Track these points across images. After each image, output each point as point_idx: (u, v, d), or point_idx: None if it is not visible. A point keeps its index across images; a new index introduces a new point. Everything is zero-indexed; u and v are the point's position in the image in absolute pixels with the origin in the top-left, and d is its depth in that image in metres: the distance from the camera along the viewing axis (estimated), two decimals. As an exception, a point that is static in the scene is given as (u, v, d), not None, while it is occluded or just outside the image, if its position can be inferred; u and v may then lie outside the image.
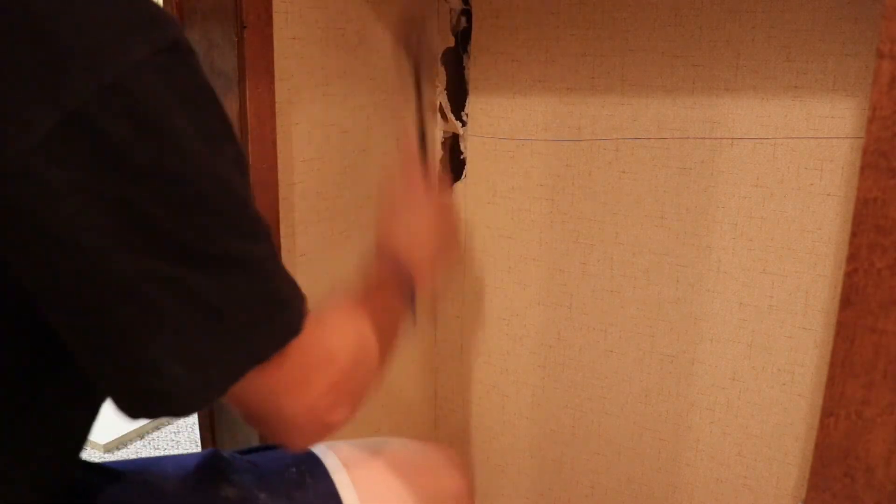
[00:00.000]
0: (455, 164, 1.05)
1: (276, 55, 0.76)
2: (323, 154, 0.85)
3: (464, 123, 1.03)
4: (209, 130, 0.36)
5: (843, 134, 0.77)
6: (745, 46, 0.81)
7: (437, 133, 1.05)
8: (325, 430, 0.47)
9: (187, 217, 0.35)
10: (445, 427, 1.16)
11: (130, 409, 0.38)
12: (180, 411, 0.38)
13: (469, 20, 0.99)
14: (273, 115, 0.77)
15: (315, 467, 0.60)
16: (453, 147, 1.05)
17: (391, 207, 0.71)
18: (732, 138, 0.83)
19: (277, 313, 0.41)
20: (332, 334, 0.48)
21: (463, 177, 1.05)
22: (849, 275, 0.62)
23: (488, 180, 1.02)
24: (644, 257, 0.92)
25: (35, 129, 0.31)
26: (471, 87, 1.01)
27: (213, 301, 0.37)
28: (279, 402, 0.43)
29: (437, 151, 0.79)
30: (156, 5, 0.36)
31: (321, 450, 0.63)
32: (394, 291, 0.62)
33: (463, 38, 1.00)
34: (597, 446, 1.02)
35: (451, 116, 1.03)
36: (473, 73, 1.00)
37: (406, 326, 0.62)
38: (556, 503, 1.08)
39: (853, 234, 0.61)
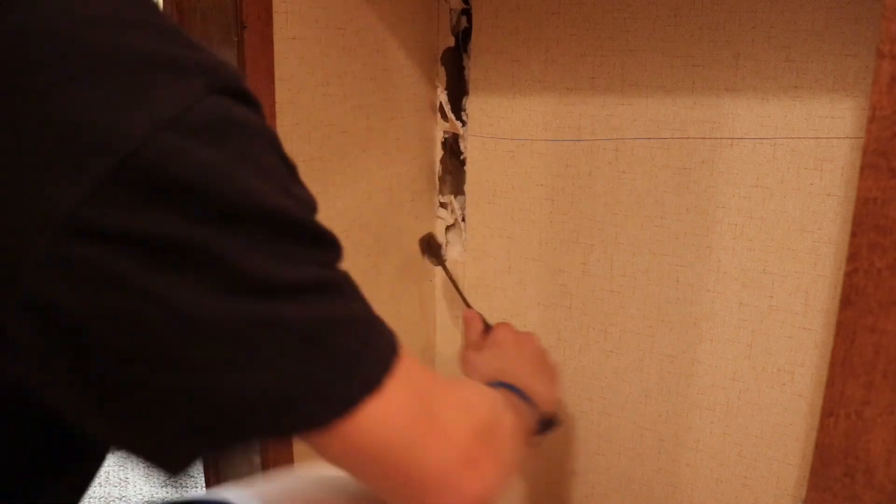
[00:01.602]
0: (455, 165, 1.05)
1: (276, 55, 0.76)
2: (323, 154, 0.85)
3: (464, 123, 1.03)
4: (277, 170, 0.35)
5: (843, 134, 0.77)
6: (745, 46, 0.81)
7: (437, 133, 1.05)
8: (481, 490, 0.39)
9: (262, 251, 0.32)
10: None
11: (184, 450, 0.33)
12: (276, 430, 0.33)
13: (469, 20, 0.99)
14: (273, 115, 0.77)
15: None
16: (453, 147, 1.05)
17: (493, 354, 0.75)
18: (732, 138, 0.83)
19: (375, 334, 0.37)
20: (467, 388, 0.44)
21: (465, 183, 1.05)
22: (849, 275, 0.62)
23: (488, 180, 1.02)
24: (644, 257, 0.92)
25: (89, 176, 0.28)
26: (471, 87, 1.01)
27: (305, 330, 0.33)
28: (418, 454, 0.36)
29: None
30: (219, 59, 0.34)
31: None
32: (521, 412, 0.59)
33: (463, 38, 1.00)
34: (597, 446, 1.02)
35: (451, 116, 1.03)
36: (473, 73, 1.00)
37: (528, 448, 0.58)
38: (556, 503, 1.08)
39: (853, 234, 0.61)
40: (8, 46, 0.28)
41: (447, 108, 1.03)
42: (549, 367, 0.77)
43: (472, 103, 1.02)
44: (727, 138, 0.84)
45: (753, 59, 0.81)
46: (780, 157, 0.81)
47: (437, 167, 1.06)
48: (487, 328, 0.88)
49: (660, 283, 0.92)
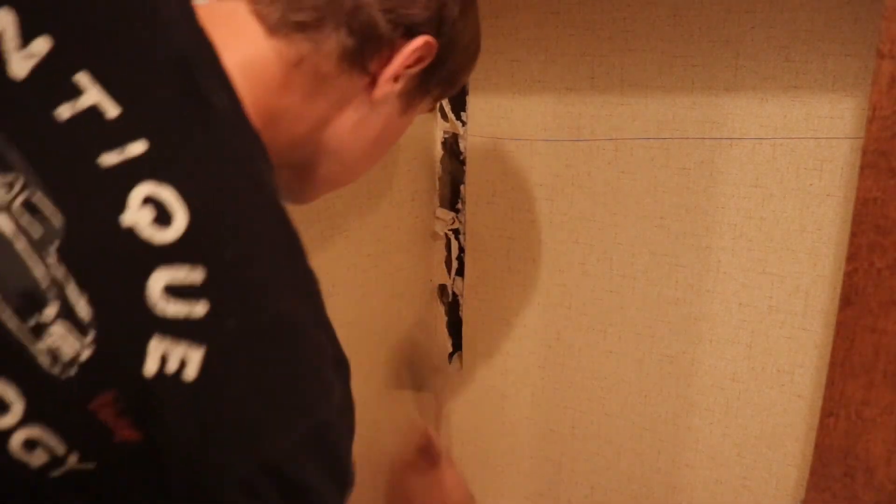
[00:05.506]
0: (455, 165, 1.05)
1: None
2: (322, 154, 0.85)
3: (464, 123, 1.03)
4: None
5: (842, 134, 0.77)
6: (744, 46, 0.81)
7: (437, 133, 1.05)
8: None
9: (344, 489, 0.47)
10: (444, 427, 1.16)
11: None
12: None
13: (469, 20, 0.99)
14: (272, 115, 0.76)
15: None
16: (453, 147, 1.05)
17: (407, 483, 0.88)
18: (732, 138, 0.83)
19: None
20: None
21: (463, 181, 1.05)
22: (849, 275, 0.62)
23: (488, 180, 1.02)
24: (643, 258, 0.92)
25: (295, 431, 0.42)
26: (471, 87, 1.01)
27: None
28: None
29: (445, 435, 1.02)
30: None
31: None
32: None
33: (462, 38, 1.00)
34: (597, 446, 1.02)
35: (451, 116, 1.03)
36: (473, 73, 1.00)
37: None
38: (556, 503, 1.08)
39: (853, 234, 0.61)
40: (266, 336, 0.42)
41: (447, 108, 1.03)
42: None
43: (471, 103, 1.02)
44: (726, 138, 0.84)
45: (753, 59, 0.81)
46: (779, 158, 0.81)
47: (437, 167, 1.06)
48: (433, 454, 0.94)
49: (659, 284, 0.92)
